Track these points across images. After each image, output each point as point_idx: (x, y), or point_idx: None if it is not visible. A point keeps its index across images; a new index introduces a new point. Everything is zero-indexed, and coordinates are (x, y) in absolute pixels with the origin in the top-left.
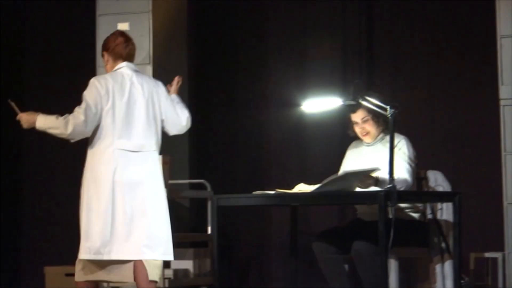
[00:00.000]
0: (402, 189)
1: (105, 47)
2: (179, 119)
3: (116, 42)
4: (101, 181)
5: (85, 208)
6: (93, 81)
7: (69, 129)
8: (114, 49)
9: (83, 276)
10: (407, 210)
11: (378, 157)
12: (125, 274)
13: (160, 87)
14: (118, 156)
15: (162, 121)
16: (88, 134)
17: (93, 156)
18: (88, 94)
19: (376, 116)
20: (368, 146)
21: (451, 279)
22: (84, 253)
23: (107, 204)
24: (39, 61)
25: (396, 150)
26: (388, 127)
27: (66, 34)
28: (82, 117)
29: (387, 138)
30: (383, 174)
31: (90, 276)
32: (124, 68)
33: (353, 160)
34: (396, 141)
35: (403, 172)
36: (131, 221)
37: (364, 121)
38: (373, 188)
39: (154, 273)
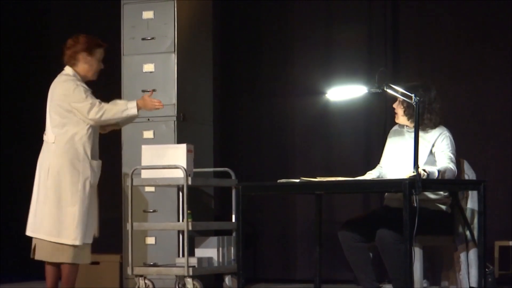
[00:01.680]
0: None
1: None
2: (82, 110)
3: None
4: None
5: None
6: None
7: None
8: None
9: None
10: (435, 202)
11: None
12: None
13: (65, 82)
14: (42, 147)
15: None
16: None
17: None
18: None
19: (408, 107)
20: (409, 132)
21: (475, 267)
22: None
23: None
24: None
25: (439, 140)
26: (431, 118)
27: (92, 23)
28: None
29: (429, 129)
30: (429, 167)
31: None
32: None
33: (394, 144)
34: (438, 132)
35: (450, 162)
36: (35, 203)
37: (400, 102)
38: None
39: (46, 253)
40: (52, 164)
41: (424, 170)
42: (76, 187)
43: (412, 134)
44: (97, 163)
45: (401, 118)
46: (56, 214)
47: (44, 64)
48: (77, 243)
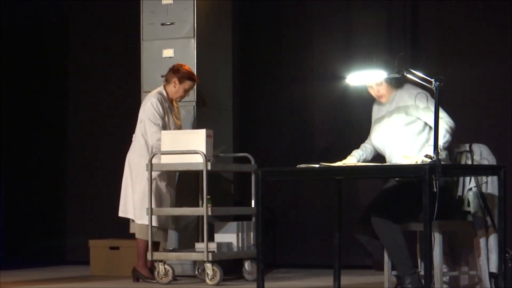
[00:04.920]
0: (451, 133)
1: None
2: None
3: None
4: None
5: None
6: None
7: None
8: None
9: None
10: None
11: (392, 119)
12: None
13: (148, 98)
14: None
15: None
16: None
17: None
18: None
19: (389, 79)
20: (384, 106)
21: (495, 253)
22: None
23: None
24: (85, 39)
25: (415, 105)
26: (400, 85)
27: (112, 8)
28: None
29: (401, 96)
30: (432, 151)
31: None
32: None
33: (375, 121)
34: (406, 94)
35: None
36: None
37: (378, 85)
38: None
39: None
40: (130, 159)
41: (426, 156)
42: (143, 177)
43: (385, 107)
44: None
45: (386, 98)
46: (129, 197)
47: (64, 50)
48: (139, 222)
